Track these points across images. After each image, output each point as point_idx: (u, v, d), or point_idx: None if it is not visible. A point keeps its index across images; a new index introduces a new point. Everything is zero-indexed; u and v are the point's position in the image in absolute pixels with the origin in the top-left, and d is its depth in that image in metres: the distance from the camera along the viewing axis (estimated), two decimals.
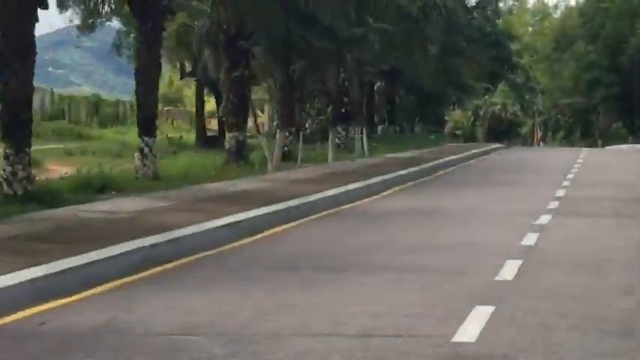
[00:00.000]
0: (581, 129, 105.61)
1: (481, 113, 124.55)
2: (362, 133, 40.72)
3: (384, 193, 24.64)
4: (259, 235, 15.60)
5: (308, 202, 20.28)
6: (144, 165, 24.64)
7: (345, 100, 42.56)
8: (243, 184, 23.82)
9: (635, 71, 78.63)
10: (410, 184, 27.95)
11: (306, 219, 18.42)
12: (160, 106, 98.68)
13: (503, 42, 73.12)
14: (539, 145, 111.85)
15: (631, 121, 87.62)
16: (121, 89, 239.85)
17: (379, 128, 57.71)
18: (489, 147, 57.69)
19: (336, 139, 43.27)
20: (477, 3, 78.13)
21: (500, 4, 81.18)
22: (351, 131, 42.39)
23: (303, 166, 32.46)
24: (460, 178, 30.86)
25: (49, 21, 43.15)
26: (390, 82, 54.15)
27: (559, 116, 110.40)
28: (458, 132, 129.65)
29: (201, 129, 56.24)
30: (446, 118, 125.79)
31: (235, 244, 14.52)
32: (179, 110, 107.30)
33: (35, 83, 19.38)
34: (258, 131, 31.43)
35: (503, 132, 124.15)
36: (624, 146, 73.63)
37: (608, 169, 35.68)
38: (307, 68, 32.62)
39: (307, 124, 49.41)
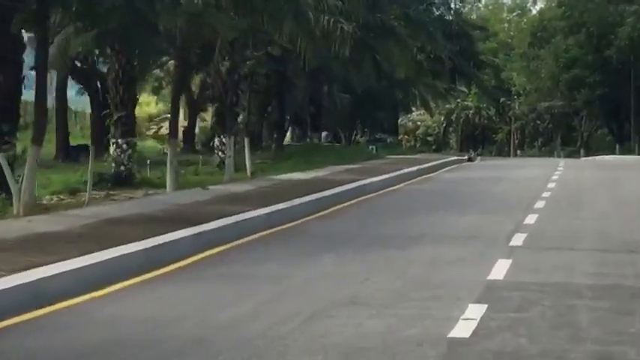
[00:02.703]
0: (562, 136, 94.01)
1: (453, 118, 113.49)
2: (238, 146, 28.79)
3: (163, 271, 12.84)
4: None
5: None
6: None
7: (235, 99, 30.61)
8: None
9: (624, 68, 66.58)
10: (239, 243, 15.87)
11: None
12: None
13: (467, 33, 61.15)
14: (516, 154, 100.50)
15: (618, 127, 75.72)
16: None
17: (313, 136, 45.63)
18: (446, 159, 45.94)
19: (219, 154, 31.44)
20: None
21: None
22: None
23: (113, 199, 20.64)
24: (348, 225, 18.94)
25: None
26: (313, 77, 42.07)
27: (537, 121, 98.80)
28: (429, 139, 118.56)
29: (64, 137, 43.79)
30: (406, 121, 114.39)
31: None
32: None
33: None
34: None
35: (478, 139, 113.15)
36: (609, 157, 62.26)
37: (591, 198, 24.02)
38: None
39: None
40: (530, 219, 18.82)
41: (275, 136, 39.47)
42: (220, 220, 16.52)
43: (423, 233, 16.75)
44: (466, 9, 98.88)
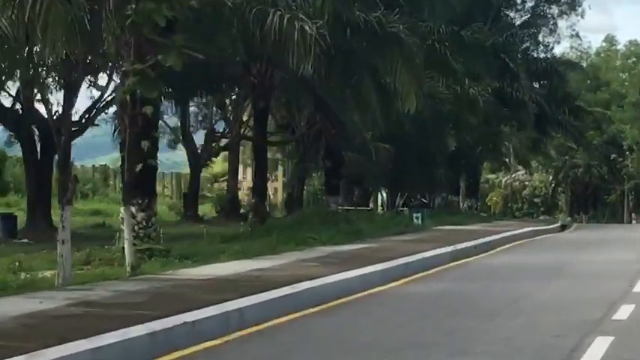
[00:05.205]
0: None
1: (561, 177, 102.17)
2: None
3: None
4: None
5: None
6: None
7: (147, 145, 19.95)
8: None
9: None
10: None
11: None
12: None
13: (557, 71, 49.41)
14: (630, 218, 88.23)
15: None
16: None
17: (329, 200, 34.24)
18: (519, 231, 34.55)
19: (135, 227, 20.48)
20: (527, 20, 54.76)
21: (563, 23, 57.36)
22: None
23: None
24: None
25: None
26: (324, 116, 30.87)
27: None
28: (537, 200, 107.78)
29: None
30: (511, 181, 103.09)
31: None
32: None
33: None
34: None
35: (589, 200, 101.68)
36: None
37: None
38: None
39: None
40: None
41: (253, 200, 28.27)
42: None
43: None
44: (574, 55, 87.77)
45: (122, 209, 19.25)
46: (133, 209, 20.16)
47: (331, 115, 30.37)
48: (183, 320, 11.83)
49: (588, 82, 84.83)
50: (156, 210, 20.64)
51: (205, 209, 54.10)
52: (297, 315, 13.86)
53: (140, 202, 20.26)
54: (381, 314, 14.22)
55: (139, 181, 20.23)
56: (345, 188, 54.64)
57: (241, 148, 56.65)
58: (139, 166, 20.10)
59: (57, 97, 31.50)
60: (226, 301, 13.38)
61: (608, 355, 10.40)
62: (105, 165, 64.18)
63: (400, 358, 10.42)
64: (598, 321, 12.93)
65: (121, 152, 20.66)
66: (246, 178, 78.91)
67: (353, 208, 45.64)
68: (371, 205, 53.27)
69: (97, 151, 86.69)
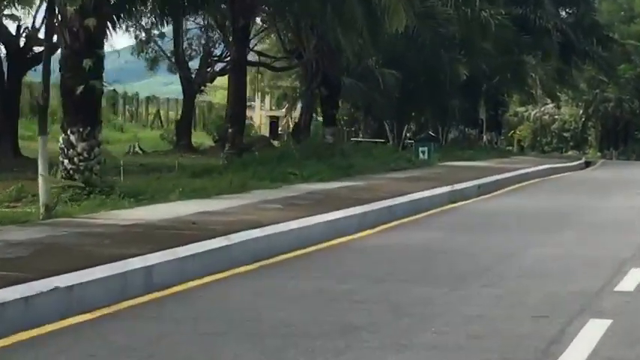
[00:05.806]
0: None
1: (591, 111, 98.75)
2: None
3: None
4: None
5: None
6: None
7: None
8: None
9: None
10: None
11: None
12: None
13: (586, 1, 46.10)
14: None
15: None
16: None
17: (326, 131, 31.27)
18: (533, 169, 31.84)
19: (64, 161, 17.75)
20: None
21: None
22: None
23: None
24: None
25: None
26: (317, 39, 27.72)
27: None
28: (566, 135, 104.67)
29: None
30: (540, 115, 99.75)
31: None
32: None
33: None
34: None
35: (620, 135, 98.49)
36: None
37: None
38: None
39: None
40: None
41: (230, 130, 25.21)
42: None
43: None
44: None
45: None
46: (73, 138, 17.47)
47: (322, 36, 27.32)
48: (54, 285, 9.14)
49: (622, 13, 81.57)
50: (100, 139, 17.89)
51: (207, 138, 51.55)
52: (223, 275, 11.22)
53: (81, 129, 17.48)
54: (325, 277, 11.38)
55: (80, 105, 17.45)
56: (364, 120, 51.78)
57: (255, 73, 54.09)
58: (80, 88, 17.31)
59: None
60: (135, 256, 10.68)
61: (597, 352, 7.59)
62: (114, 90, 61.21)
63: (314, 348, 7.66)
64: (597, 293, 10.16)
65: (60, 71, 17.82)
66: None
67: (369, 140, 42.95)
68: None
69: (129, 76, 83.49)
